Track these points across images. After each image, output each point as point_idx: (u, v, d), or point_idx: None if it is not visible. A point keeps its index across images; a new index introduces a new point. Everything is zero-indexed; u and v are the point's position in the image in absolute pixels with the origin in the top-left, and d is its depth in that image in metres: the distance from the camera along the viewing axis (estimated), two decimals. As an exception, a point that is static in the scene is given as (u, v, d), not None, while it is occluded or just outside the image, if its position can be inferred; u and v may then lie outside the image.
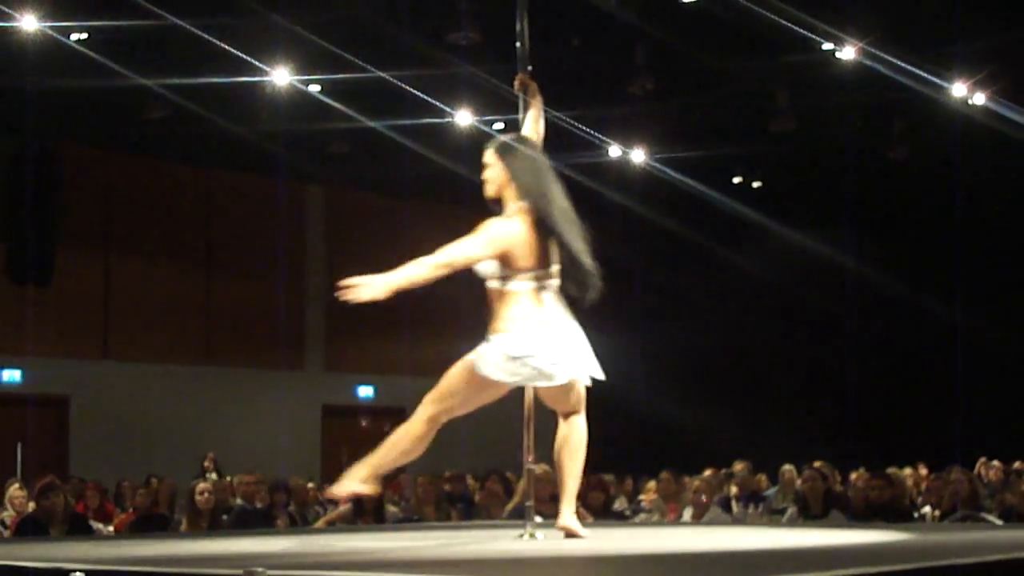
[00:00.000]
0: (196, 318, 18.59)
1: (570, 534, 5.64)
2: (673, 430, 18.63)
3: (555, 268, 5.60)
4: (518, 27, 6.13)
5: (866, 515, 9.23)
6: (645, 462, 14.74)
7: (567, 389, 5.67)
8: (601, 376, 5.68)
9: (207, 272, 18.73)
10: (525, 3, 6.10)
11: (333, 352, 19.77)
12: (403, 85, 13.34)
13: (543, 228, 5.56)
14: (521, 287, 5.54)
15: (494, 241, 5.49)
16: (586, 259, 5.59)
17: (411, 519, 10.19)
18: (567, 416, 5.79)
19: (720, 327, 19.74)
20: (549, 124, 6.13)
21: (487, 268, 5.57)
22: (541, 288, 5.57)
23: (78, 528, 9.17)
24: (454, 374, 5.61)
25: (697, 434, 17.97)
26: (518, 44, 6.14)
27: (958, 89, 13.49)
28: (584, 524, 5.95)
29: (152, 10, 11.39)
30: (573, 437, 5.76)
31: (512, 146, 5.75)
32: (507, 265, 5.54)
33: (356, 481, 5.66)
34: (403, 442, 5.63)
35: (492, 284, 5.60)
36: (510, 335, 5.48)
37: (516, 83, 6.10)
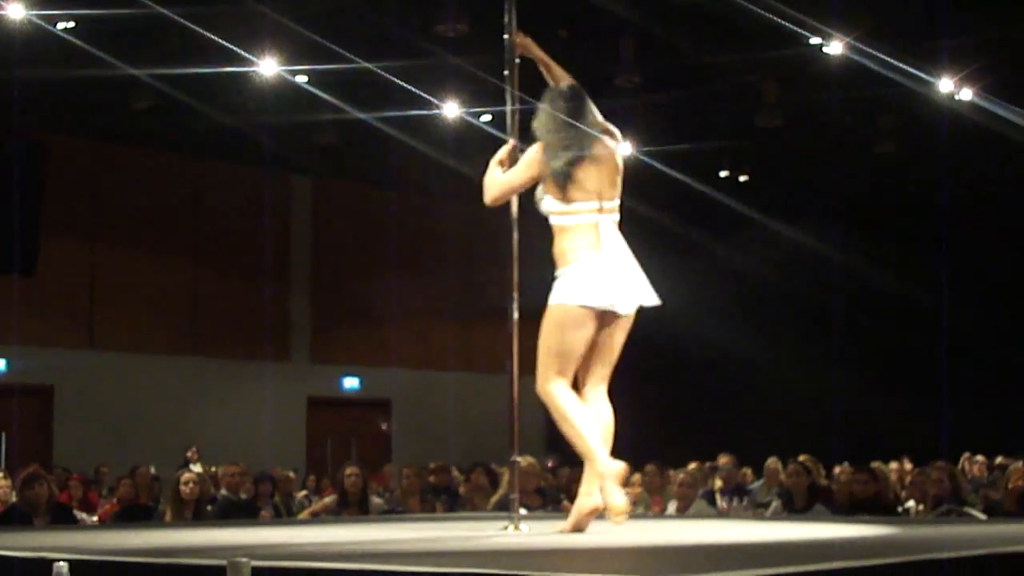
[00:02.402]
0: (182, 308, 18.56)
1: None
2: (657, 424, 18.64)
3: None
4: (506, 19, 6.14)
5: (850, 509, 9.24)
6: (629, 455, 14.73)
7: (622, 328, 5.86)
8: (657, 301, 5.88)
9: (193, 262, 18.69)
10: (513, -6, 6.10)
11: (319, 343, 19.73)
12: (390, 76, 13.30)
13: None
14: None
15: None
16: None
17: (395, 511, 10.18)
18: (595, 386, 5.92)
19: (704, 319, 19.74)
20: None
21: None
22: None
23: (62, 518, 9.14)
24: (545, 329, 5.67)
25: (681, 427, 18.00)
26: (505, 36, 6.15)
27: (945, 85, 13.52)
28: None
29: (139, -1, 11.35)
30: (603, 416, 5.95)
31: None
32: None
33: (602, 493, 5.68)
34: (573, 420, 5.69)
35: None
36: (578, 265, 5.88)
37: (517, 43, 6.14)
